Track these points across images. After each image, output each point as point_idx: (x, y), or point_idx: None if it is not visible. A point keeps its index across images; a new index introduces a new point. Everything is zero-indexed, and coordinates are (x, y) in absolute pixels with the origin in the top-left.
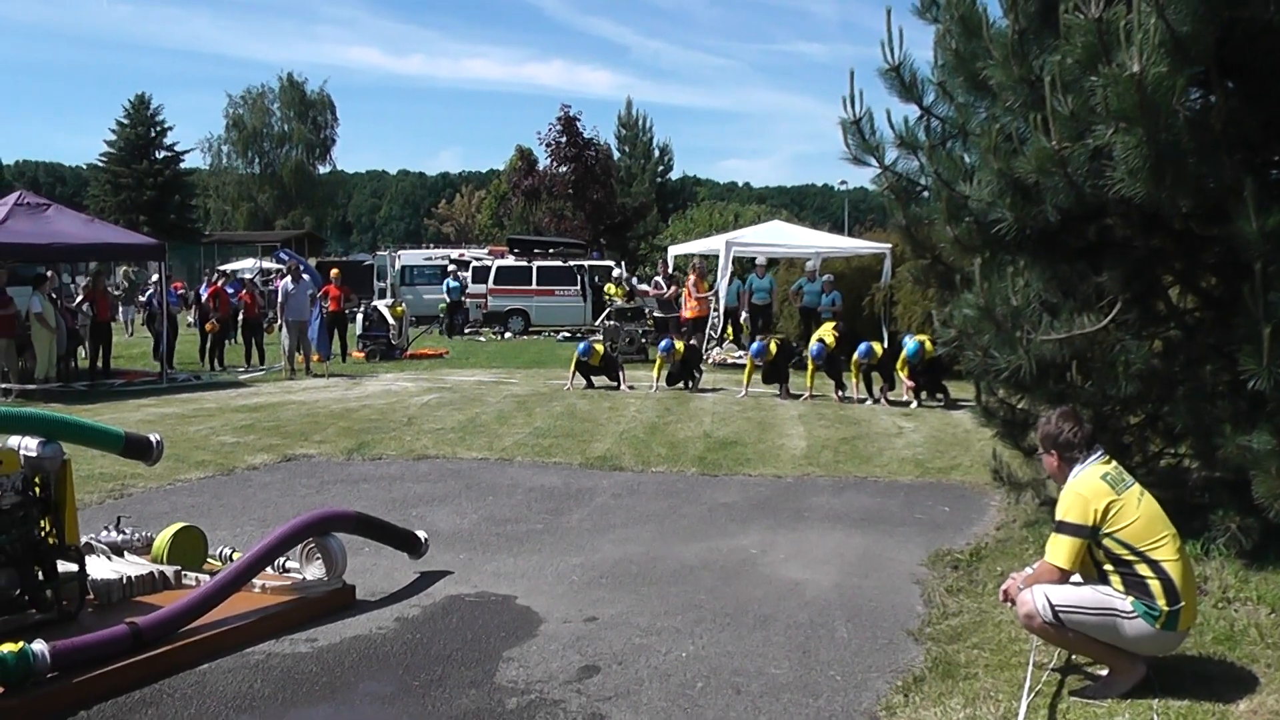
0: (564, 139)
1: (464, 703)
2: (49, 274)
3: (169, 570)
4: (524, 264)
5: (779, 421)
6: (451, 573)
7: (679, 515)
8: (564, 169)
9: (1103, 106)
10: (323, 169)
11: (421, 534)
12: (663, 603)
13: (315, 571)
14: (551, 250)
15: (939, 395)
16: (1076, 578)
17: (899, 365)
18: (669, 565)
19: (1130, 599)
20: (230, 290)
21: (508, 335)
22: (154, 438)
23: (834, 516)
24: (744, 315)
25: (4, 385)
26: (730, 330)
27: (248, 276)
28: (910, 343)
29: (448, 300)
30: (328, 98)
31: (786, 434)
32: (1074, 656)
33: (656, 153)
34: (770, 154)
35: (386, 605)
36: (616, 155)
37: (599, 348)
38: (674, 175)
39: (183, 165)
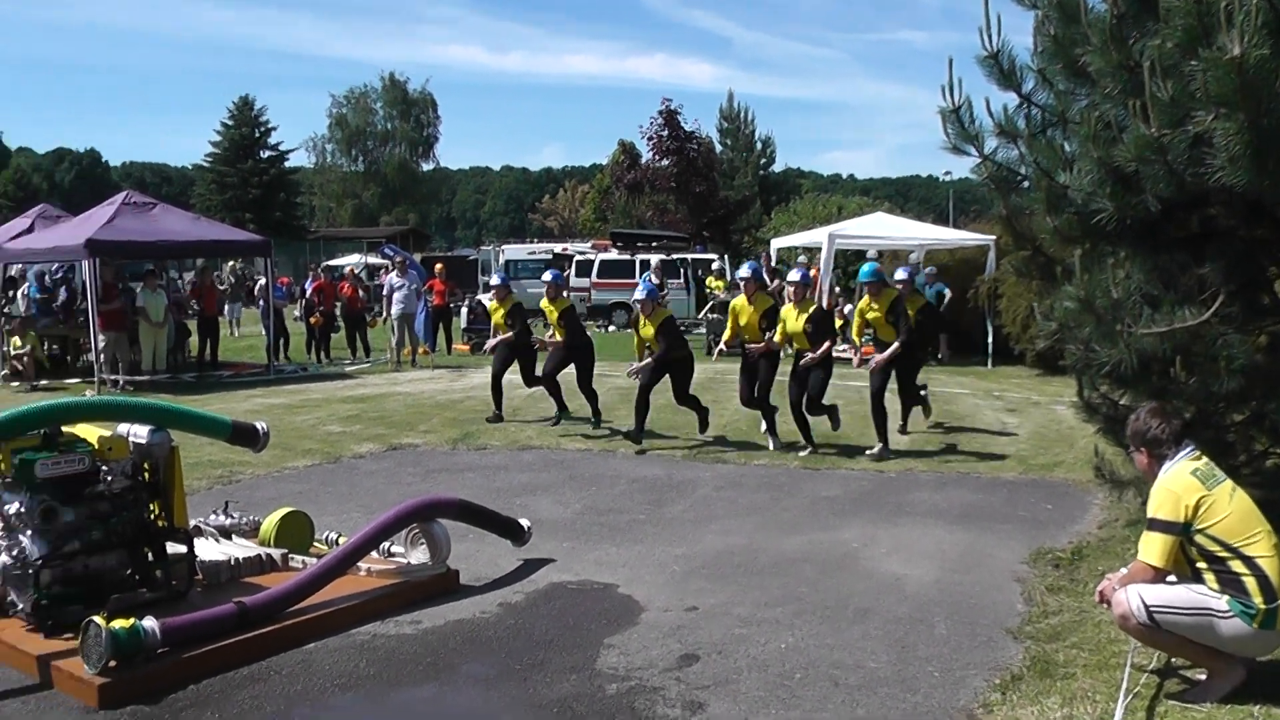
0: (665, 132)
1: (565, 687)
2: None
3: (276, 553)
4: (627, 258)
5: None
6: (554, 560)
7: (780, 508)
8: (666, 162)
9: (1202, 92)
10: (426, 166)
11: (525, 522)
12: (763, 594)
13: (420, 556)
14: (654, 244)
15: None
16: (1172, 577)
17: None
18: (770, 557)
19: (1226, 597)
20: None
21: (611, 329)
22: (260, 426)
23: (936, 512)
24: (849, 309)
25: (114, 376)
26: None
27: (347, 269)
28: None
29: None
30: (429, 96)
31: (891, 427)
32: (1173, 659)
33: (759, 145)
34: (873, 145)
35: (490, 591)
36: (718, 148)
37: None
38: (776, 168)
39: (287, 164)
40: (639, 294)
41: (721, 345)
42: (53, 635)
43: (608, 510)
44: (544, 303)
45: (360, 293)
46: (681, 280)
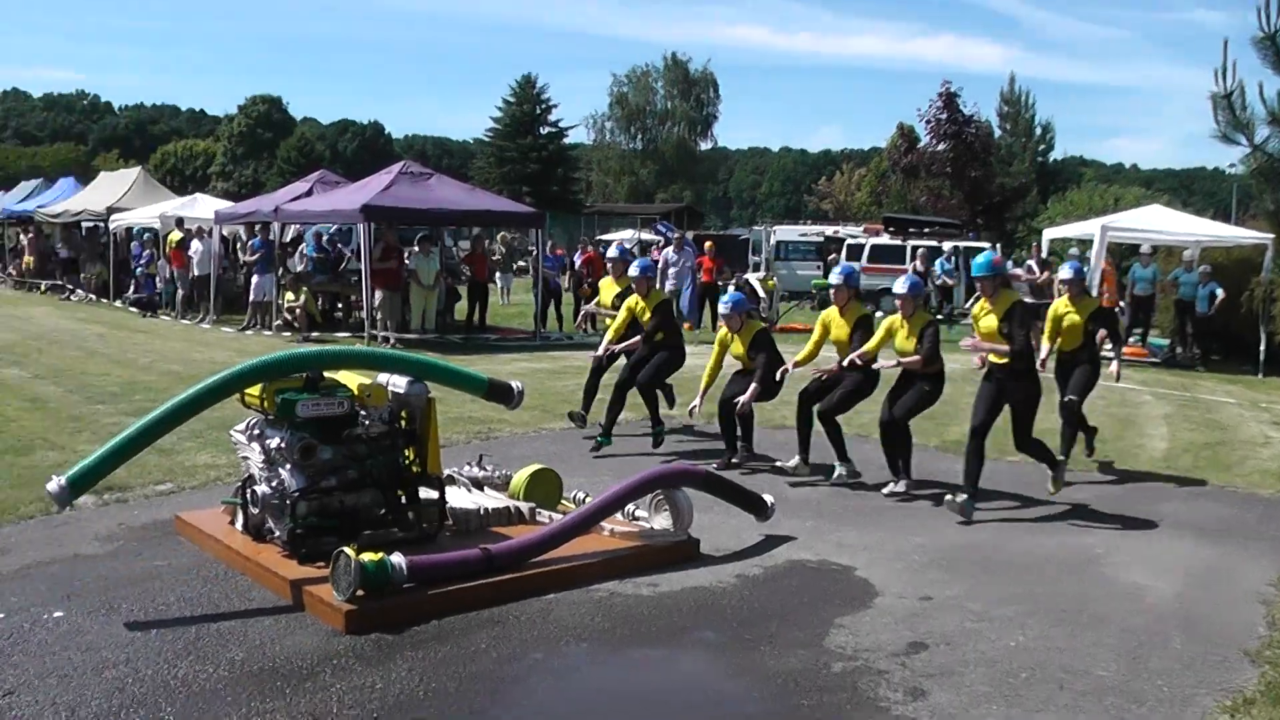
0: (944, 115)
1: (792, 661)
2: (427, 236)
3: (524, 506)
4: (898, 243)
5: (1142, 420)
6: (795, 538)
7: (1028, 507)
8: (942, 146)
9: None
10: (704, 145)
11: (769, 498)
12: (998, 590)
13: (662, 522)
14: (927, 230)
15: None
16: None
17: None
18: (1009, 555)
19: None
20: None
21: (879, 314)
22: (515, 385)
23: (1184, 524)
24: (1122, 306)
25: (384, 333)
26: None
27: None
28: None
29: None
30: (711, 75)
31: (1148, 434)
32: None
33: (1038, 130)
34: (1160, 133)
35: (729, 562)
36: (997, 133)
37: None
38: (1056, 155)
39: (566, 141)
40: (835, 278)
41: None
42: (306, 563)
43: (854, 494)
44: (633, 300)
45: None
46: (953, 267)
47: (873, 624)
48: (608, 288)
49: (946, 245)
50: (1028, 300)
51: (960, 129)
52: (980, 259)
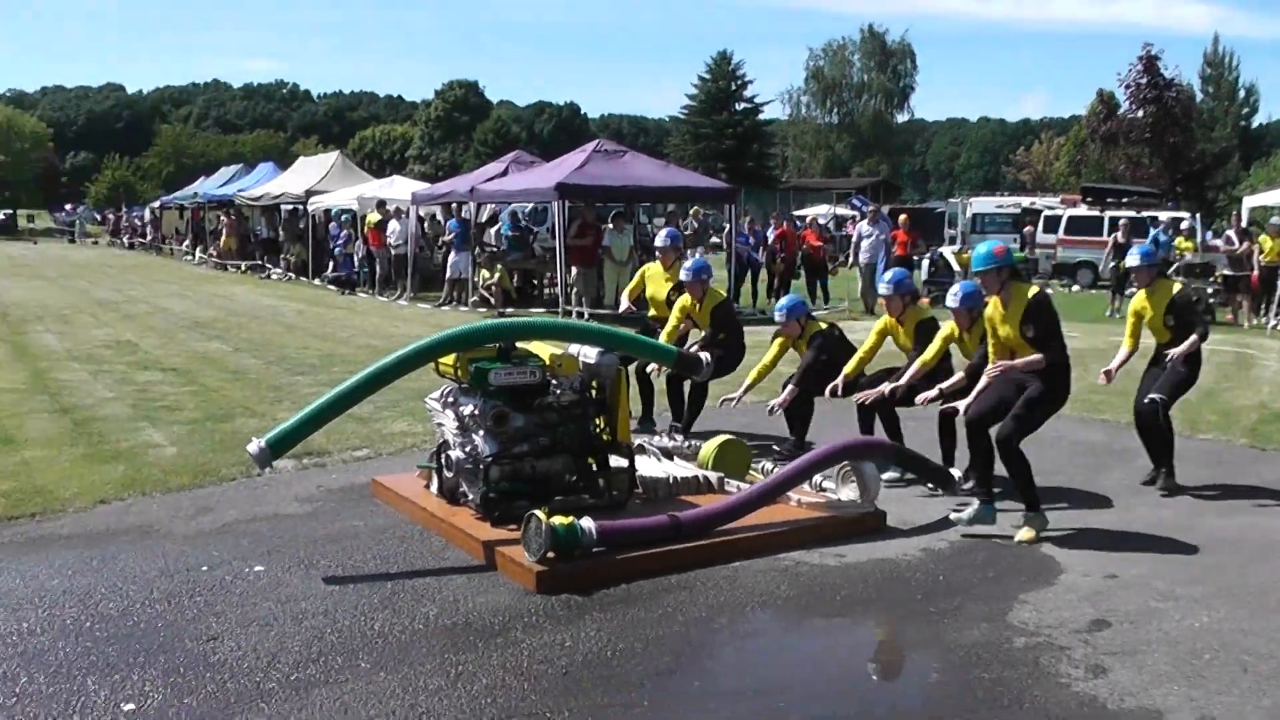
0: (1144, 80)
1: (974, 634)
2: (621, 213)
3: (713, 476)
4: (1095, 214)
5: None
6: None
7: (1217, 486)
8: (1142, 112)
9: None
10: (900, 117)
11: (956, 472)
12: (1185, 571)
13: (849, 494)
14: (1125, 200)
15: None
16: None
17: None
18: (1199, 535)
19: None
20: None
21: (1075, 288)
22: (705, 357)
23: None
24: None
25: (578, 308)
26: None
27: (809, 218)
28: None
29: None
30: (908, 46)
31: None
32: None
33: (1241, 94)
34: None
35: (915, 535)
36: (1198, 97)
37: None
38: (1260, 119)
39: (762, 116)
40: (885, 288)
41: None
42: (498, 525)
43: (1043, 471)
44: (684, 300)
45: (823, 242)
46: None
47: (1056, 600)
48: (655, 278)
49: (1163, 216)
50: (1226, 272)
51: (1160, 94)
52: (981, 249)
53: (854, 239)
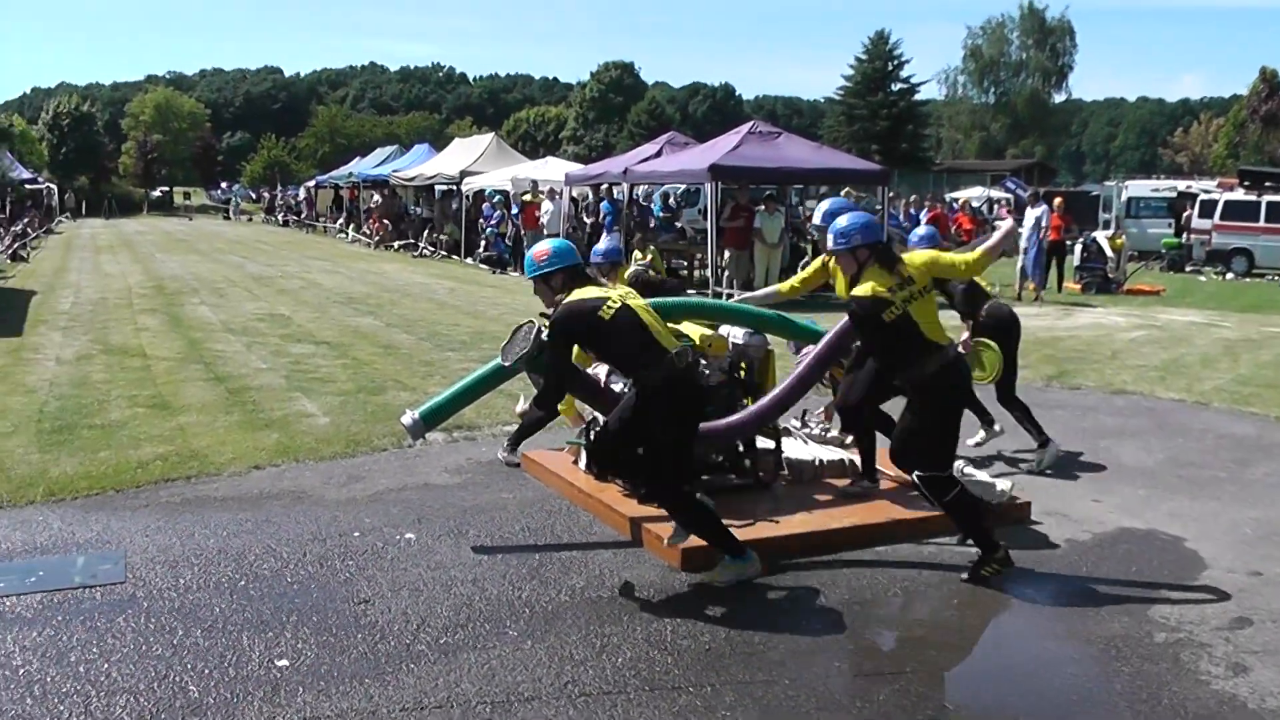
0: None
1: (1114, 627)
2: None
3: (857, 459)
4: (1253, 198)
5: None
6: (1127, 506)
7: None
8: None
9: None
10: (1058, 97)
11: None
12: None
13: (1001, 483)
14: None
15: None
16: None
17: None
18: None
19: None
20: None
21: (1229, 276)
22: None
23: None
24: None
25: (729, 290)
26: None
27: (961, 200)
28: None
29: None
30: (1068, 24)
31: None
32: None
33: None
34: None
35: (1058, 526)
36: None
37: None
38: None
39: (917, 97)
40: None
41: None
42: (645, 502)
43: (1189, 464)
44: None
45: (975, 225)
46: None
47: (1198, 596)
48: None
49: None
50: None
51: None
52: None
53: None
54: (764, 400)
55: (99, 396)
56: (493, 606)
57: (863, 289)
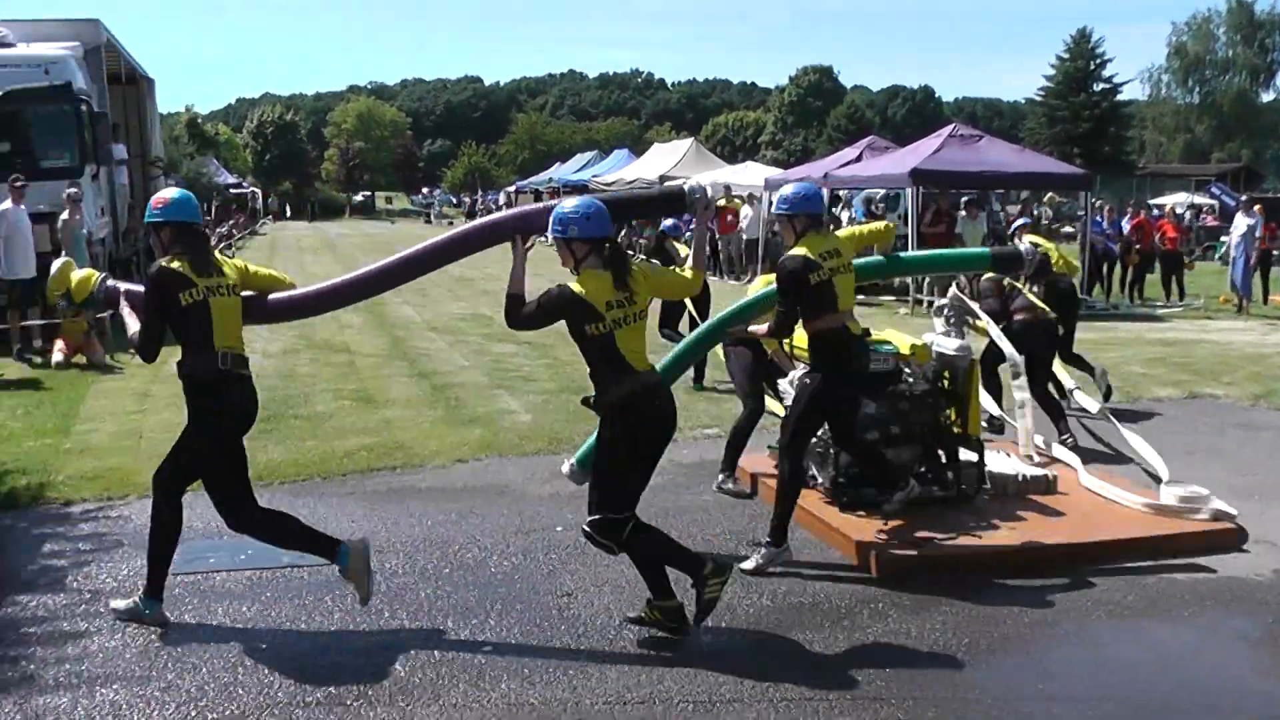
0: None
1: None
2: (974, 200)
3: (1053, 475)
4: None
5: None
6: None
7: None
8: None
9: None
10: (1266, 96)
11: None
12: None
13: (1215, 504)
14: None
15: None
16: None
17: None
18: None
19: None
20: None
21: None
22: (1025, 247)
23: None
24: None
25: (929, 298)
26: None
27: (1167, 208)
28: None
29: None
30: (1278, 18)
31: None
32: None
33: None
34: None
35: (1269, 555)
36: None
37: None
38: None
39: (1120, 97)
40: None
41: None
42: (846, 510)
43: None
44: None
45: (1180, 234)
46: None
47: None
48: None
49: None
50: None
51: None
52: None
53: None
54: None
55: (305, 389)
56: (694, 607)
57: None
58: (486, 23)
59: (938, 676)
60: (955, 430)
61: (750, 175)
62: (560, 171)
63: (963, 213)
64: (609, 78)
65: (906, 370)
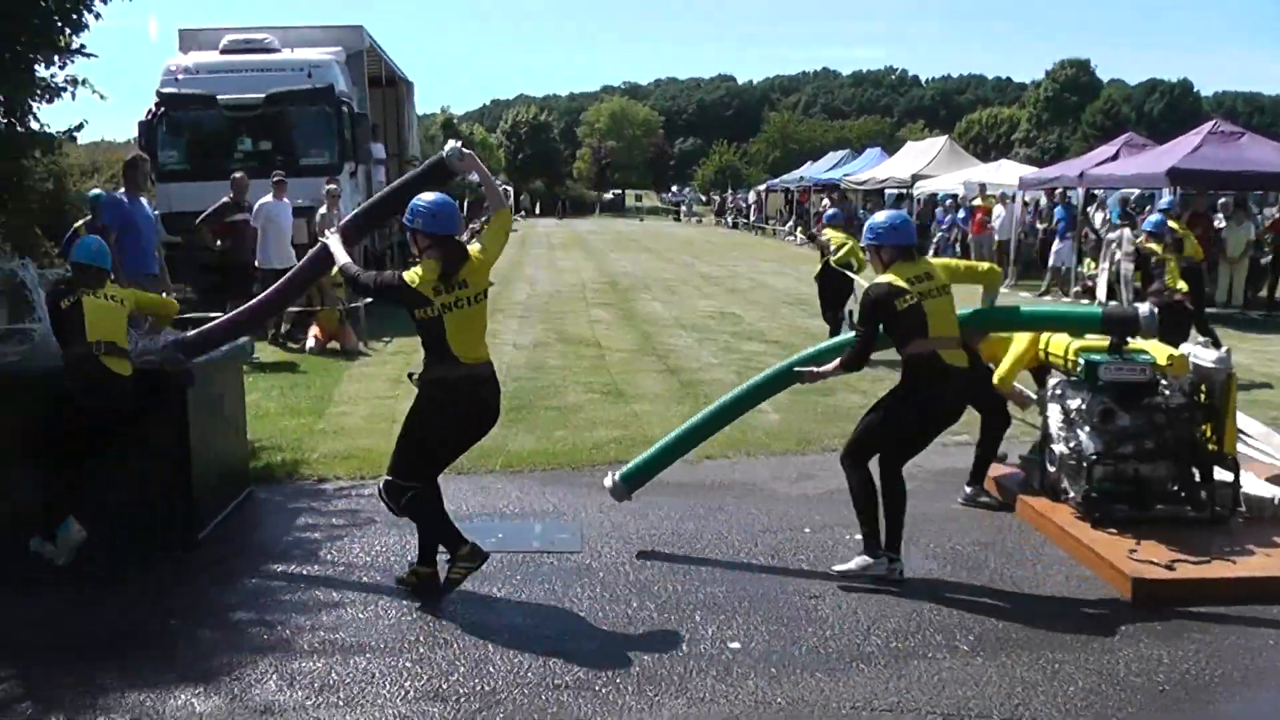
0: None
1: None
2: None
3: None
4: None
5: None
6: None
7: None
8: None
9: None
10: None
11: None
12: None
13: None
14: None
15: None
16: None
17: None
18: None
19: None
20: None
21: None
22: (1143, 307)
23: None
24: None
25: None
26: None
27: None
28: None
29: None
30: None
31: None
32: None
33: None
34: None
35: None
36: None
37: None
38: None
39: None
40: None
41: None
42: (1097, 527)
43: None
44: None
45: None
46: None
47: None
48: None
49: None
50: None
51: None
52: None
53: None
54: (243, 308)
55: (555, 381)
56: (943, 618)
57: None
58: (741, 22)
59: (1189, 707)
60: (1210, 448)
61: (1004, 174)
62: (811, 170)
63: (1219, 216)
64: (862, 75)
65: (1163, 382)
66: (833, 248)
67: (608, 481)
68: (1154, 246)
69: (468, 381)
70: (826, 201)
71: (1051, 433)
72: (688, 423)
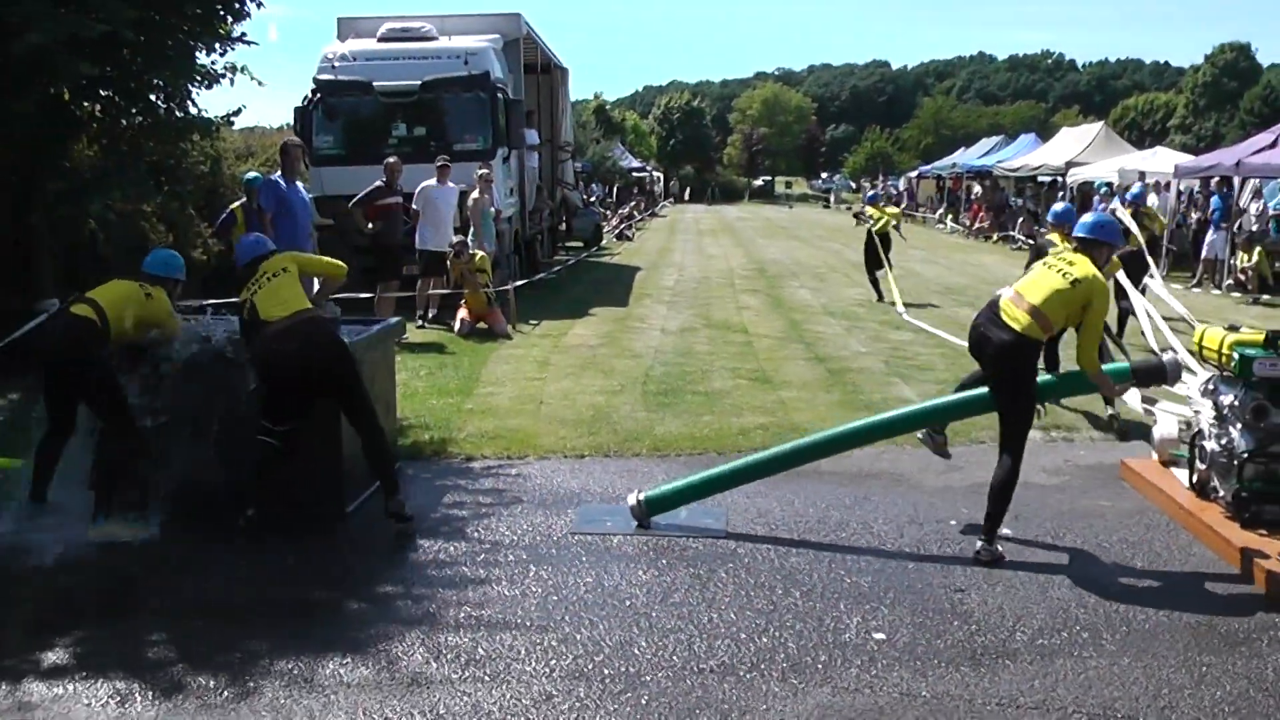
0: None
1: None
2: None
3: None
4: None
5: None
6: None
7: None
8: None
9: None
10: None
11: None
12: None
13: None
14: None
15: None
16: None
17: None
18: None
19: None
20: None
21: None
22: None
23: None
24: None
25: None
26: None
27: None
28: None
29: None
30: None
31: None
32: None
33: None
34: None
35: None
36: None
37: None
38: None
39: None
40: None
41: None
42: (1248, 527)
43: None
44: None
45: None
46: None
47: None
48: None
49: None
50: None
51: None
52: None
53: None
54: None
55: (702, 366)
56: (1090, 616)
57: None
58: (896, 7)
59: None
60: None
61: (1159, 161)
62: (964, 156)
63: None
64: (1018, 59)
65: None
66: (873, 221)
67: (631, 499)
68: None
69: (269, 335)
70: (978, 189)
71: (1204, 429)
72: (739, 461)
